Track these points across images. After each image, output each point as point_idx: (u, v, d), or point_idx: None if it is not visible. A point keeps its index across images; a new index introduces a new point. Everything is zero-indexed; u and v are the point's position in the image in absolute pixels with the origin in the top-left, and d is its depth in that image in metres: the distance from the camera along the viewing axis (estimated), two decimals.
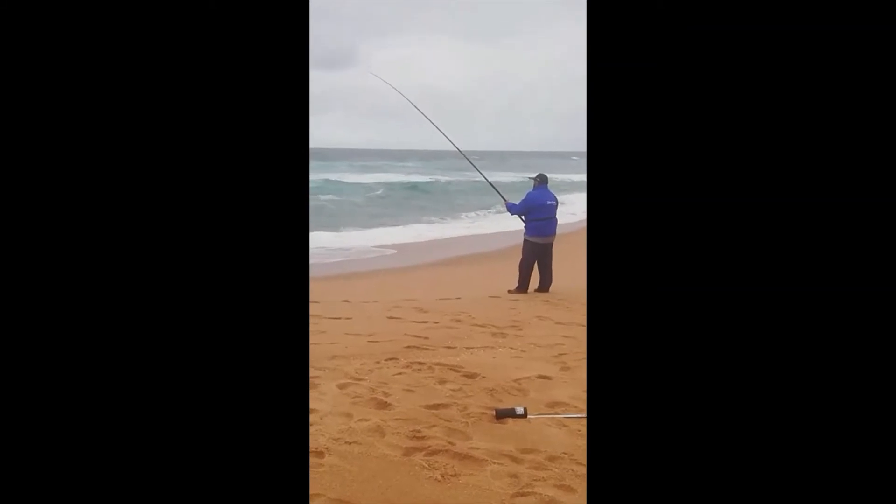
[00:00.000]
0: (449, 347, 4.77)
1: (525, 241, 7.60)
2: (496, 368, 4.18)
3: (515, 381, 3.91)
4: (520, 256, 7.72)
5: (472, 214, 20.65)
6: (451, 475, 2.60)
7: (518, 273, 7.57)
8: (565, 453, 2.82)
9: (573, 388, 3.83)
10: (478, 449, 2.85)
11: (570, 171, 41.32)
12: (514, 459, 2.76)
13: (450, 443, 2.91)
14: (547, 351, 4.73)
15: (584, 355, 4.42)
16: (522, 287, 7.49)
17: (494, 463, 2.72)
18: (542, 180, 7.70)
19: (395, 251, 12.91)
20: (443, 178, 34.55)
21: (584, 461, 2.68)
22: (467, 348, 4.76)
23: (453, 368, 4.14)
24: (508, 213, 7.84)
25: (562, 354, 4.61)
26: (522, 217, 7.59)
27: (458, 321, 5.80)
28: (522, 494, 2.44)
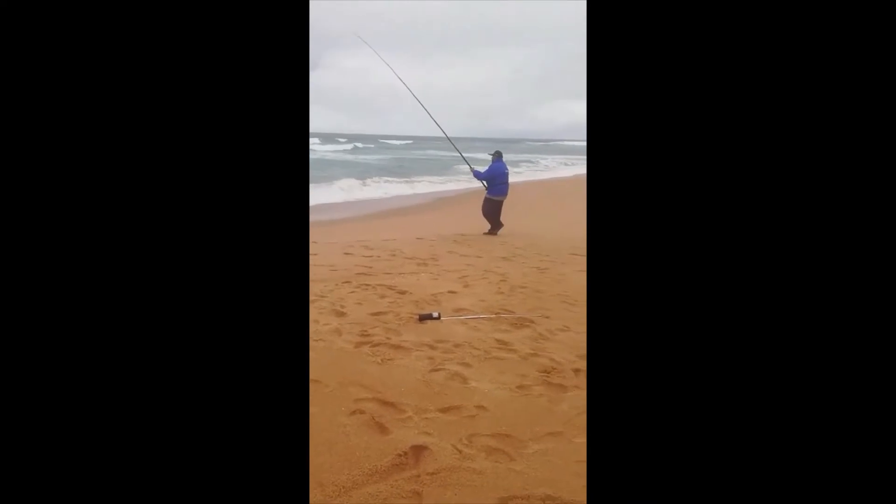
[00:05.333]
0: (387, 273, 5.11)
1: (486, 198, 8.25)
2: (419, 287, 4.56)
3: (432, 294, 4.32)
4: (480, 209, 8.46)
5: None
6: (388, 359, 2.81)
7: (487, 220, 8.24)
8: (465, 342, 3.08)
9: (471, 298, 4.24)
10: (406, 341, 3.09)
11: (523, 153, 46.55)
12: (431, 347, 3.01)
13: (387, 338, 3.13)
14: (454, 274, 5.21)
15: (481, 275, 4.93)
16: (494, 229, 8.17)
17: (417, 350, 2.95)
18: (498, 156, 8.34)
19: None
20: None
21: (479, 346, 2.96)
22: (400, 274, 5.11)
23: (390, 288, 4.47)
24: (475, 178, 8.39)
25: (464, 276, 5.09)
26: (484, 182, 8.17)
27: (394, 255, 6.12)
28: (436, 370, 2.68)
